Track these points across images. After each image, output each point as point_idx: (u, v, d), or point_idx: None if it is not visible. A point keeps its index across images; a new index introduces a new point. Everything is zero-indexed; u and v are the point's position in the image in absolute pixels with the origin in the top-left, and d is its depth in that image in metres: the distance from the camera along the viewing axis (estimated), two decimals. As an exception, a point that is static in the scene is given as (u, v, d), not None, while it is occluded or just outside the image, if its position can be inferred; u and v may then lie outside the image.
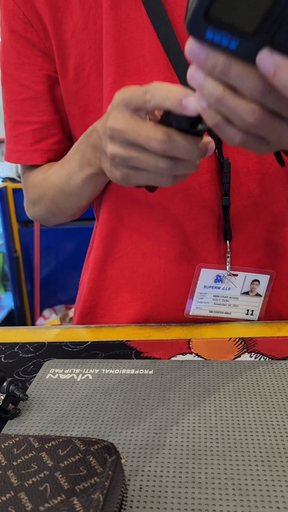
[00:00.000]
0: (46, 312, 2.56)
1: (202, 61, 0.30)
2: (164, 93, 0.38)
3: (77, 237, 2.40)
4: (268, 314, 0.62)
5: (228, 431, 0.39)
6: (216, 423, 0.40)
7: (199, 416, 0.41)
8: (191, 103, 0.36)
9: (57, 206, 0.65)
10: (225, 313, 0.60)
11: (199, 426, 0.40)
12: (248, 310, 0.60)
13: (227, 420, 0.40)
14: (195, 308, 0.60)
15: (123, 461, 0.32)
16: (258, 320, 0.60)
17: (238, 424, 0.40)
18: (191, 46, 0.30)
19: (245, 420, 0.40)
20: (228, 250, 0.59)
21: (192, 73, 0.32)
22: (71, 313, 2.48)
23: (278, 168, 0.59)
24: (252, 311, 0.60)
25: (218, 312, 0.60)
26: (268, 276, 0.59)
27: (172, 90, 0.38)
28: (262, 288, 0.59)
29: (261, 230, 0.60)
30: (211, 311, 0.60)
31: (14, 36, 0.60)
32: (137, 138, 0.40)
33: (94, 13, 0.57)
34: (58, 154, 0.64)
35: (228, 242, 0.59)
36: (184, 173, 0.43)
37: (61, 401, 0.44)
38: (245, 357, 0.51)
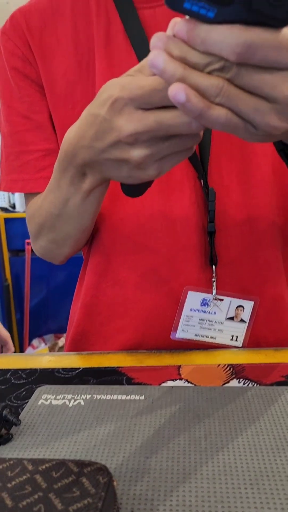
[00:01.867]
0: (35, 342, 2.54)
1: (164, 43, 0.31)
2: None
3: (67, 266, 2.39)
4: (255, 340, 0.63)
5: (218, 455, 0.40)
6: (206, 447, 0.41)
7: (189, 440, 0.42)
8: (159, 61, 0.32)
9: (58, 233, 0.62)
10: (210, 337, 0.61)
11: (189, 450, 0.40)
12: (232, 336, 0.61)
13: (217, 444, 0.41)
14: (181, 330, 0.61)
15: (115, 483, 0.32)
16: (242, 346, 0.62)
17: (228, 448, 0.41)
18: (156, 35, 0.31)
19: (234, 444, 0.41)
20: (214, 275, 0.61)
21: (152, 59, 0.32)
22: (60, 342, 2.46)
23: (261, 199, 0.61)
24: (237, 337, 0.61)
25: (203, 336, 0.61)
26: (253, 303, 0.61)
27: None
28: (246, 314, 0.61)
29: (246, 257, 0.62)
30: (196, 335, 0.61)
31: (15, 73, 0.64)
32: (167, 128, 0.37)
33: (87, 56, 0.62)
34: None
35: (214, 267, 0.61)
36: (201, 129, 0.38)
37: (53, 426, 0.45)
38: (234, 383, 0.52)
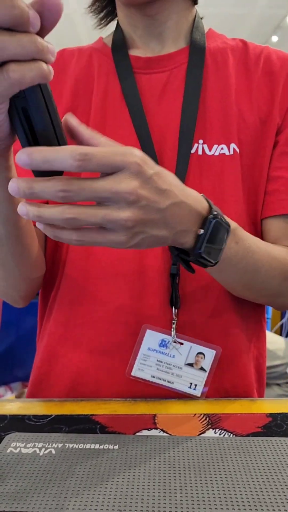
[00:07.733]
0: (1, 390, 2.44)
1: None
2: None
3: (37, 312, 2.36)
4: (216, 393, 0.63)
5: (193, 508, 0.38)
6: (181, 500, 0.39)
7: (164, 492, 0.40)
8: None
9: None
10: (168, 381, 0.60)
11: (164, 503, 0.39)
12: (191, 384, 0.60)
13: (192, 496, 0.40)
14: (137, 369, 0.60)
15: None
16: (201, 396, 0.61)
17: (203, 500, 0.39)
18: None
19: (210, 497, 0.40)
20: (174, 317, 0.61)
21: (18, 210, 0.38)
22: (27, 391, 2.37)
23: None
24: (196, 385, 0.60)
25: (160, 379, 0.60)
26: (214, 352, 0.60)
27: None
28: (207, 363, 0.60)
29: (209, 304, 0.63)
30: (153, 376, 0.60)
31: None
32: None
33: (83, 106, 0.68)
34: None
35: (175, 309, 0.62)
36: None
37: (22, 476, 0.43)
38: (210, 433, 0.51)
